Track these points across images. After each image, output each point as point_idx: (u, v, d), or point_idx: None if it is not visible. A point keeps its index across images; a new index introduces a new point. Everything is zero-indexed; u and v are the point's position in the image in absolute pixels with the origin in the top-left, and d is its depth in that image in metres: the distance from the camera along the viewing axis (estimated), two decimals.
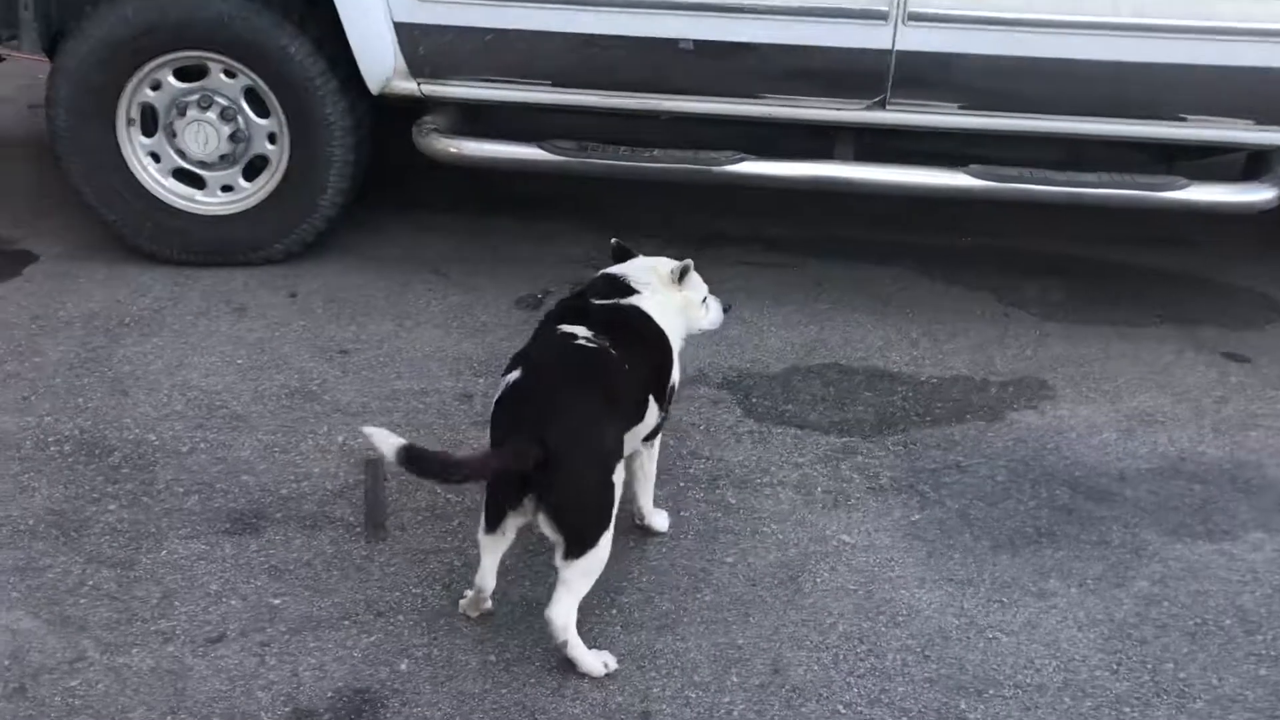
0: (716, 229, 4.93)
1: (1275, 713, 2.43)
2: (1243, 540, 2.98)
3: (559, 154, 4.02)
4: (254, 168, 4.27)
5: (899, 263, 4.65)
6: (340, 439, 3.27)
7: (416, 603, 2.66)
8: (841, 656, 2.55)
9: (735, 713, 2.39)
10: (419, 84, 4.06)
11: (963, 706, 2.43)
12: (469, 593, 2.62)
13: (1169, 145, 4.15)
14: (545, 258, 4.55)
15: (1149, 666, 2.55)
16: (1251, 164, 4.08)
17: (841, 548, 2.91)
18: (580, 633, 2.47)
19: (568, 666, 2.46)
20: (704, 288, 2.90)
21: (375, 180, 4.85)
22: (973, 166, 3.91)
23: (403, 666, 2.48)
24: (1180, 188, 3.84)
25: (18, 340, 3.75)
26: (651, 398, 2.65)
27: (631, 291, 2.74)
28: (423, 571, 2.76)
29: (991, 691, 2.47)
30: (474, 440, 3.28)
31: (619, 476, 2.47)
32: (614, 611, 2.65)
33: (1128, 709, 2.44)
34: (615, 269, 2.85)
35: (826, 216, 4.99)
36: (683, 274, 2.81)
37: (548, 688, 2.43)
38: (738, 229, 4.94)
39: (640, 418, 2.62)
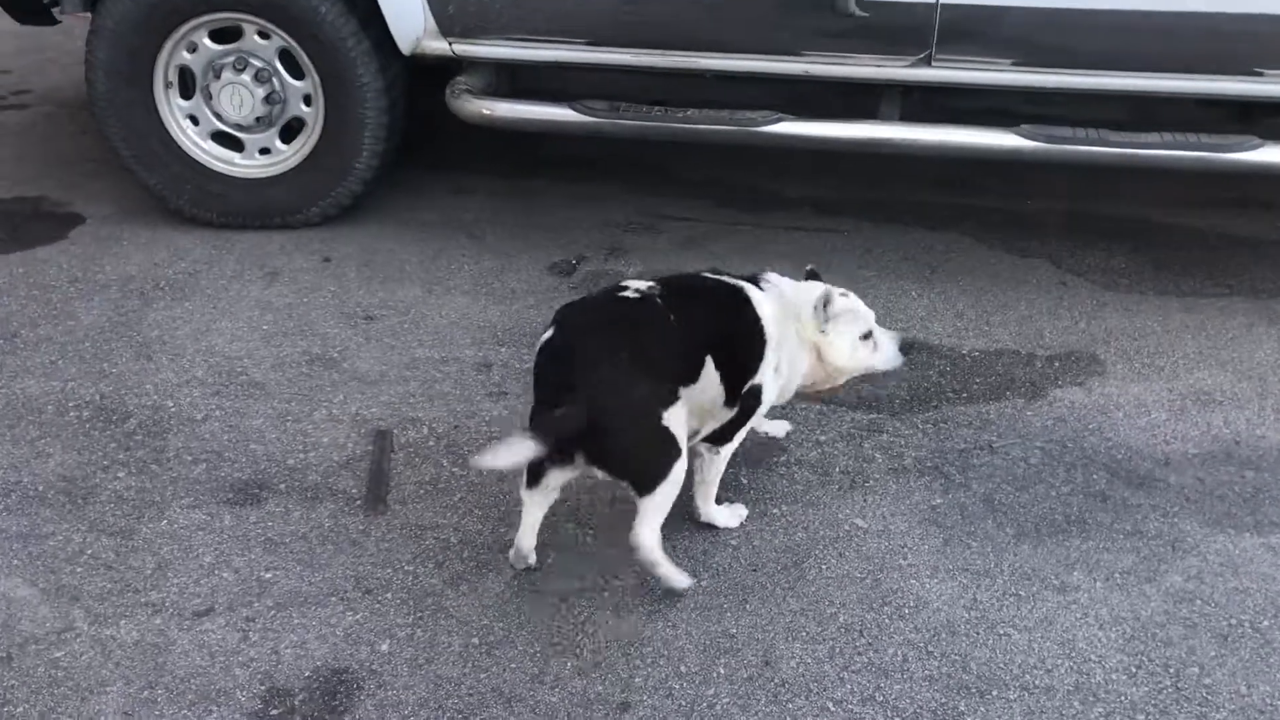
0: (768, 191, 4.78)
1: None
2: None
3: (591, 115, 3.90)
4: (291, 130, 4.25)
5: (955, 228, 4.44)
6: (354, 408, 3.23)
7: (407, 580, 2.61)
8: (838, 650, 2.42)
9: (719, 706, 2.29)
10: (450, 43, 3.97)
11: (961, 708, 2.29)
12: (512, 550, 2.62)
13: (1245, 103, 3.86)
14: (584, 222, 4.45)
15: (1171, 670, 2.38)
16: None
17: (853, 532, 2.78)
18: (570, 615, 2.41)
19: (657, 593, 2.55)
20: (863, 323, 2.70)
21: (415, 142, 4.81)
22: (1024, 126, 3.68)
23: (384, 647, 2.43)
24: (1253, 148, 3.56)
25: (54, 303, 3.78)
26: (719, 376, 2.51)
27: (753, 283, 2.64)
28: (418, 548, 2.70)
29: (995, 692, 2.33)
30: (485, 412, 3.22)
31: (675, 416, 2.40)
32: (605, 595, 2.56)
33: (1142, 717, 2.27)
34: (772, 274, 2.73)
35: (883, 179, 4.80)
36: (825, 304, 2.62)
37: (527, 674, 2.36)
38: (790, 190, 4.78)
39: (693, 377, 2.49)
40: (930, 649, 2.43)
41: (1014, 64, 3.68)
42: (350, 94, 4.08)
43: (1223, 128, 3.90)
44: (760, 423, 2.90)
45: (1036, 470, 3.00)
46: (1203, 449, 3.09)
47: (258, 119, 4.18)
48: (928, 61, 3.68)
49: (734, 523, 2.78)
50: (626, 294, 2.50)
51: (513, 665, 2.38)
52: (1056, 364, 3.49)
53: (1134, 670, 2.38)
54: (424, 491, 2.90)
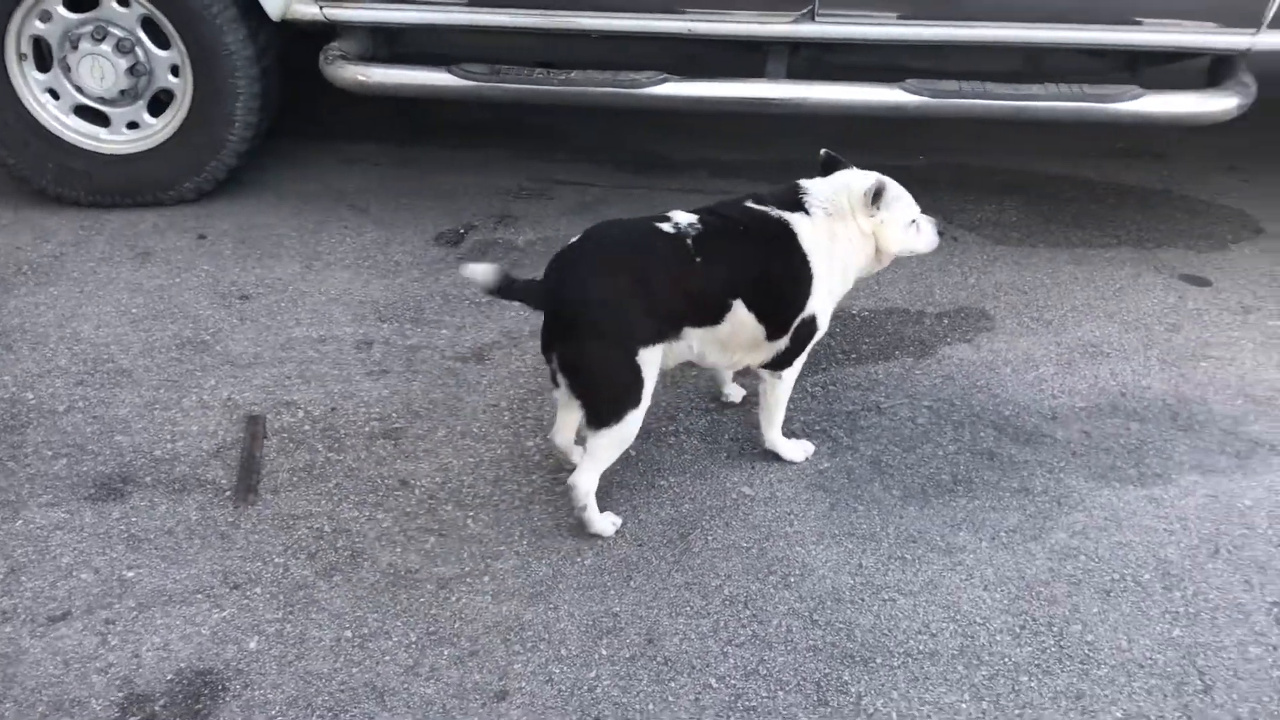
0: (663, 154, 4.69)
1: (1184, 679, 2.25)
2: (1175, 484, 2.78)
3: (470, 79, 3.77)
4: (160, 103, 4.06)
5: None
6: (226, 393, 3.10)
7: (277, 574, 2.50)
8: (722, 623, 2.38)
9: (599, 690, 2.23)
10: (321, 7, 3.82)
11: (845, 677, 2.26)
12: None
13: (1132, 53, 3.85)
14: (473, 189, 4.33)
15: (1055, 629, 2.37)
16: (1216, 70, 3.78)
17: (740, 501, 2.73)
18: (448, 602, 2.34)
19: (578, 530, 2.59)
20: (911, 208, 2.74)
21: (298, 111, 4.64)
22: (909, 82, 3.63)
23: (251, 645, 2.32)
24: (1133, 98, 3.55)
25: None
26: (755, 317, 2.55)
27: (798, 208, 2.60)
28: (289, 539, 2.60)
29: (879, 660, 2.30)
30: (365, 393, 3.11)
31: (650, 357, 2.44)
32: (485, 579, 2.49)
33: (1025, 678, 2.26)
34: (807, 181, 2.69)
35: (776, 140, 4.73)
36: (877, 195, 2.63)
37: (401, 666, 2.28)
38: (685, 153, 4.70)
39: (713, 319, 2.52)
40: (815, 618, 2.39)
41: (900, 17, 3.63)
42: (218, 63, 3.91)
43: (1112, 78, 3.89)
44: (727, 384, 3.01)
45: (924, 430, 2.97)
46: (1089, 402, 3.09)
47: (122, 92, 3.98)
48: (811, 16, 3.61)
49: (799, 456, 2.82)
50: (662, 226, 2.50)
51: (386, 658, 2.30)
52: (945, 321, 3.47)
53: (1018, 630, 2.37)
54: (297, 479, 2.79)
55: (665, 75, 3.70)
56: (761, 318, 2.57)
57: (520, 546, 2.57)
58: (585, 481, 2.52)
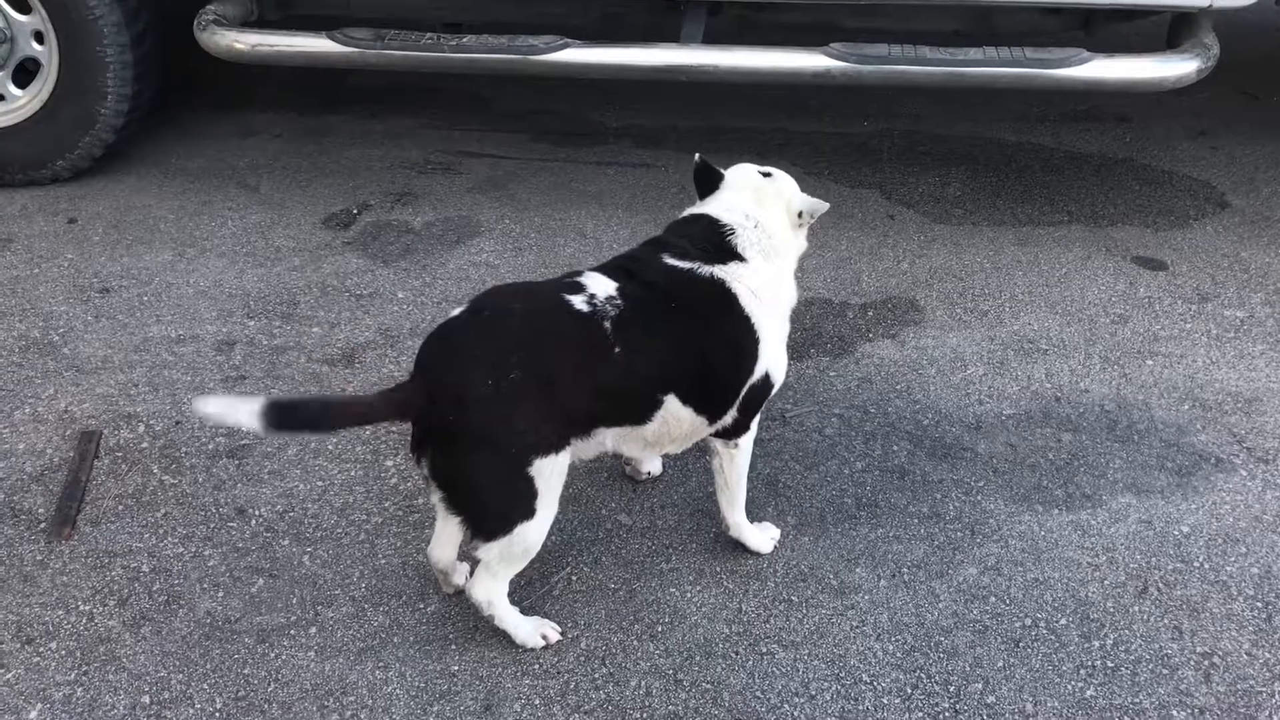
0: (590, 121, 4.35)
1: None
2: (1105, 507, 2.48)
3: (353, 45, 3.43)
4: (29, 73, 3.72)
5: (784, 155, 4.06)
6: (64, 404, 2.80)
7: (79, 624, 2.21)
8: (573, 685, 2.08)
9: None
10: None
11: None
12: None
13: (1086, 10, 3.49)
14: (376, 163, 4.00)
15: (952, 689, 2.08)
16: (1175, 30, 3.43)
17: (615, 531, 2.43)
18: (265, 659, 2.04)
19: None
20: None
21: (203, 80, 4.32)
22: (833, 46, 3.28)
23: (32, 714, 2.04)
24: (1080, 62, 3.20)
25: None
26: (694, 410, 2.11)
27: (729, 255, 2.15)
28: (100, 581, 2.30)
29: None
30: None
31: (550, 468, 1.97)
32: (312, 631, 2.19)
33: None
34: (715, 209, 2.24)
35: (711, 106, 4.39)
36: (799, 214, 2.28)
37: None
38: (613, 120, 4.36)
39: (637, 419, 2.08)
40: (680, 677, 2.10)
41: None
42: (83, 30, 3.58)
43: (1057, 39, 3.54)
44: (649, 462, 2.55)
45: (831, 443, 2.67)
46: (1019, 409, 2.78)
47: None
48: None
49: (765, 547, 2.35)
50: (573, 300, 2.01)
51: None
52: (870, 314, 3.15)
53: (909, 691, 2.07)
54: (124, 508, 2.49)
55: (565, 40, 3.35)
56: (701, 408, 2.14)
57: (358, 590, 2.28)
58: (481, 591, 2.08)
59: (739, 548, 2.36)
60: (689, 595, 2.27)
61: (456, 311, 2.03)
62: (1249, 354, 2.96)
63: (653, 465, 2.55)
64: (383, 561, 2.35)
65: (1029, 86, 3.26)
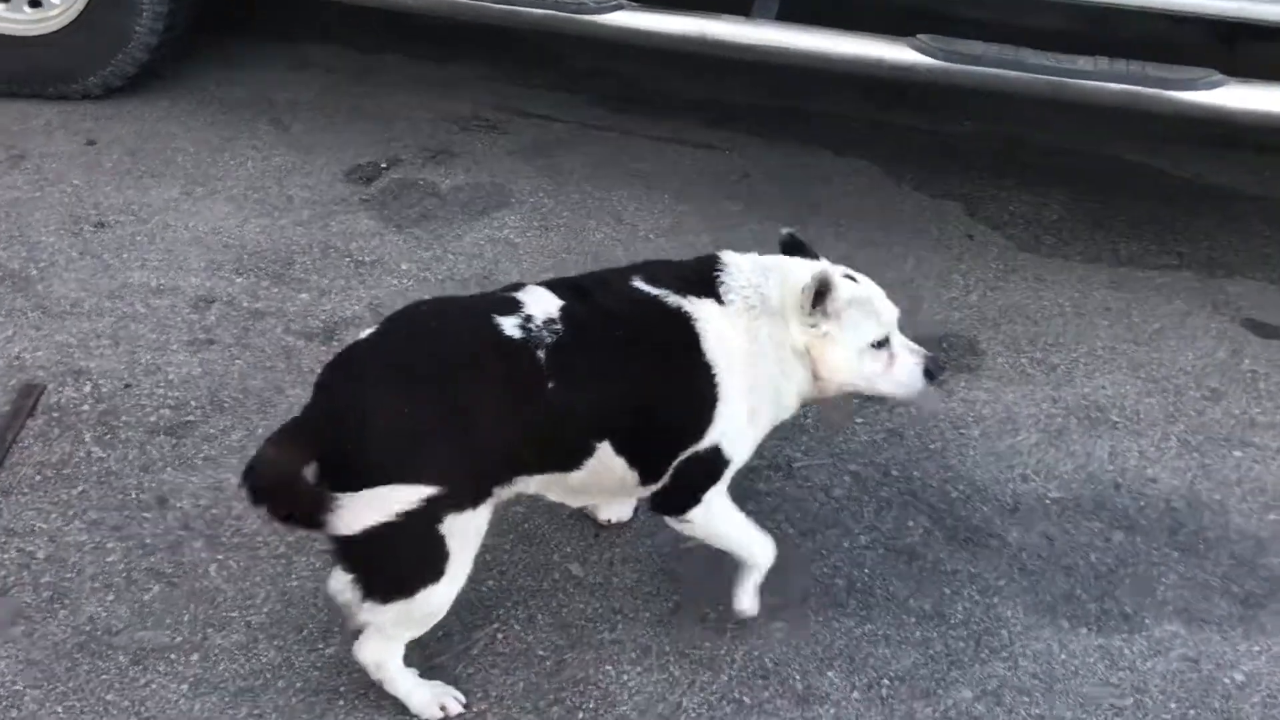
0: (658, 90, 3.99)
1: None
2: (1145, 634, 2.07)
3: None
4: None
5: (866, 152, 3.65)
6: (16, 350, 2.60)
7: None
8: None
9: None
10: None
11: None
12: None
13: (1229, 24, 2.98)
14: (420, 113, 3.70)
15: None
16: None
17: (563, 583, 2.12)
18: (119, 685, 1.82)
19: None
20: (877, 325, 1.87)
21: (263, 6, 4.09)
22: (921, 38, 2.85)
23: None
24: (1208, 86, 2.72)
25: None
26: (627, 461, 1.81)
27: (708, 291, 1.83)
28: None
29: None
30: (173, 369, 2.57)
31: (461, 526, 1.68)
32: (194, 658, 1.94)
33: None
34: (732, 255, 1.89)
35: (802, 84, 3.95)
36: (819, 294, 1.81)
37: None
38: (685, 92, 3.98)
39: (564, 465, 1.79)
40: None
41: None
42: None
43: (1193, 55, 3.04)
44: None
45: (836, 507, 2.30)
46: (1068, 493, 2.37)
47: None
48: None
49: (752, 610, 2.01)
50: (504, 323, 1.72)
51: None
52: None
53: None
54: (41, 478, 2.27)
55: (619, 2, 2.99)
56: (634, 462, 1.81)
57: (257, 615, 2.02)
58: (370, 653, 1.80)
59: (700, 622, 2.03)
60: (625, 677, 1.95)
61: (366, 333, 1.72)
62: None
63: (618, 511, 2.21)
64: (294, 584, 2.08)
65: (1145, 108, 2.79)
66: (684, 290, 1.81)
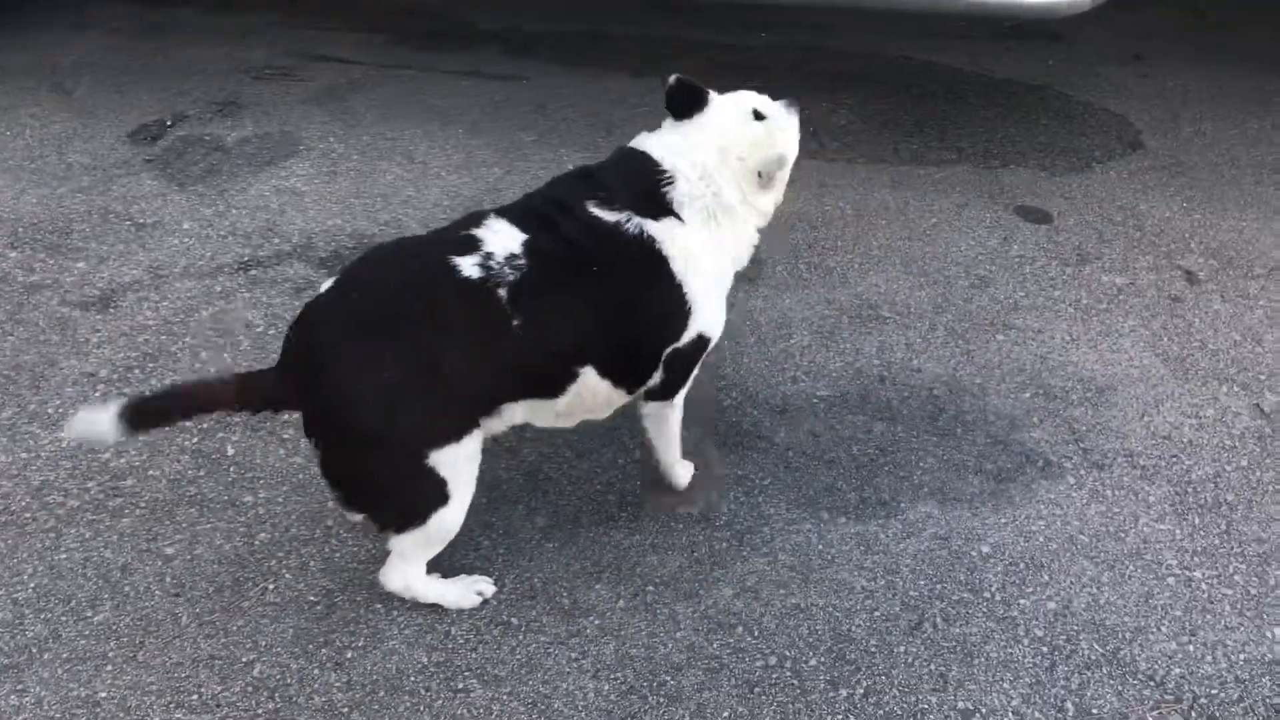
0: (460, 23, 3.96)
1: None
2: (900, 518, 2.17)
3: None
4: None
5: (664, 70, 3.62)
6: None
7: None
8: None
9: None
10: None
11: None
12: None
13: None
14: (211, 65, 3.63)
15: None
16: None
17: (335, 530, 2.15)
18: None
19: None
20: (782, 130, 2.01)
21: None
22: None
23: None
24: None
25: None
26: (612, 382, 1.89)
27: (663, 210, 1.85)
28: None
29: None
30: None
31: (455, 455, 1.75)
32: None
33: None
34: (659, 147, 1.92)
35: (606, 7, 3.95)
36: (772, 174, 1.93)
37: None
38: (486, 22, 3.96)
39: (548, 392, 1.84)
40: (354, 717, 1.83)
41: None
42: None
43: None
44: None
45: (613, 427, 2.35)
46: (836, 390, 2.46)
47: None
48: None
49: (685, 483, 2.21)
50: (462, 264, 1.72)
51: None
52: None
53: None
54: None
55: None
56: (620, 379, 1.89)
57: (24, 591, 2.02)
58: (396, 580, 1.94)
59: (473, 552, 2.08)
60: (395, 614, 1.99)
61: (325, 287, 1.77)
62: (1116, 330, 2.61)
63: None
64: (63, 557, 2.08)
65: (899, 9, 2.84)
66: (643, 212, 1.84)
